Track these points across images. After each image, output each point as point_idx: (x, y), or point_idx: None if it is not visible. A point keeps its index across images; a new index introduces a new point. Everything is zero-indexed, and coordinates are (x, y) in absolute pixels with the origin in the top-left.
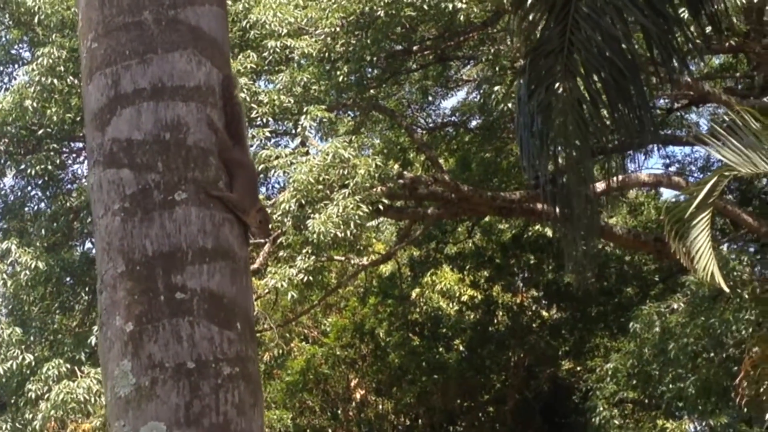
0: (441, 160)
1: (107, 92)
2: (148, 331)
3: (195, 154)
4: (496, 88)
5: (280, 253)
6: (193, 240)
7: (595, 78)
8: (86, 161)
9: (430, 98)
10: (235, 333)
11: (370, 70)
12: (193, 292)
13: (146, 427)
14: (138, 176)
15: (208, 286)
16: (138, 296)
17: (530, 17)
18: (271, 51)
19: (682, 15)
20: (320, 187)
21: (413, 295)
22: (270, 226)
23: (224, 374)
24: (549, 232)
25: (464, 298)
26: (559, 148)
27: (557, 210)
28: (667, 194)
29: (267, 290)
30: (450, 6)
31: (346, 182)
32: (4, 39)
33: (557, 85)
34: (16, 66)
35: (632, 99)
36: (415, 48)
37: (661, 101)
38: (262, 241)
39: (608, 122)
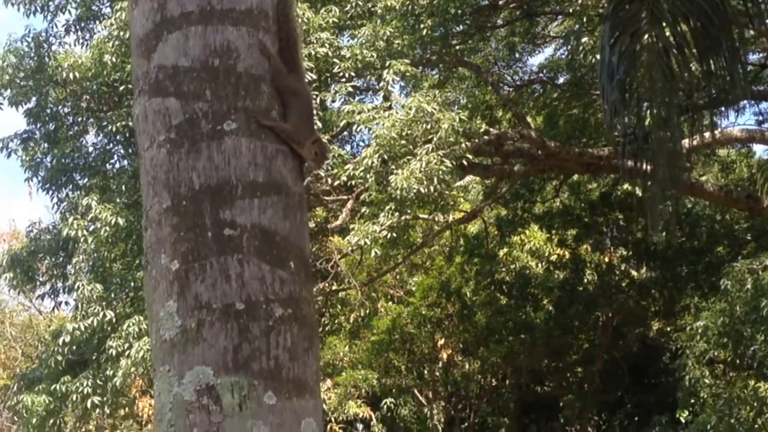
0: (528, 119)
1: (153, 17)
2: (195, 270)
3: (246, 82)
4: (584, 39)
5: (363, 210)
6: (243, 173)
7: (683, 27)
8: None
9: (517, 55)
10: (288, 272)
11: (455, 25)
12: (242, 228)
13: (192, 372)
14: (185, 105)
15: (259, 222)
16: (184, 233)
17: None
18: (354, 4)
19: None
20: (403, 142)
21: (500, 254)
22: (327, 157)
23: (276, 316)
24: (638, 190)
25: (552, 257)
26: (644, 102)
27: (641, 165)
28: (760, 151)
29: (351, 249)
30: None
31: (430, 137)
32: None
33: (643, 32)
34: (97, 22)
35: (723, 50)
36: (501, 2)
37: (754, 56)
38: (345, 197)
39: (697, 75)
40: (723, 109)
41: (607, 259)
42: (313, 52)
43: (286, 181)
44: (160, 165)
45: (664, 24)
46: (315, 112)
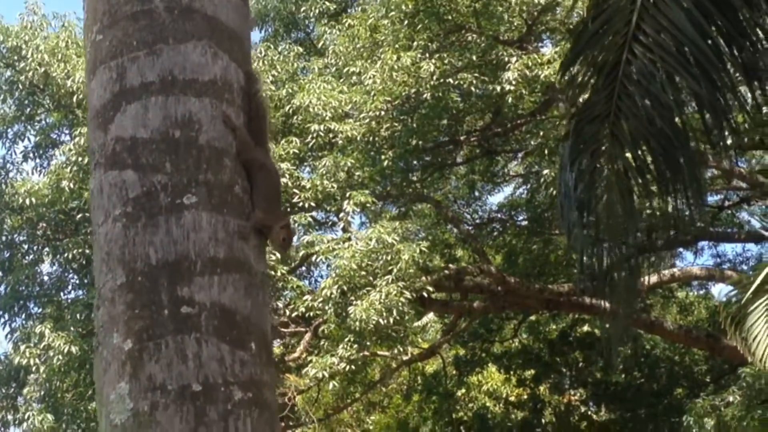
0: (488, 256)
1: (111, 87)
2: (149, 350)
3: (207, 154)
4: (545, 171)
5: (321, 343)
6: (203, 248)
7: (643, 149)
8: None
9: (476, 193)
10: (249, 354)
11: (415, 159)
12: (201, 306)
13: None
14: (143, 178)
15: (219, 300)
16: (139, 310)
17: (577, 80)
18: (315, 135)
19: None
20: (363, 273)
21: (458, 393)
22: (293, 243)
23: (235, 399)
24: (597, 330)
25: (511, 397)
26: (602, 224)
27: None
28: (719, 293)
29: (309, 385)
30: (498, 88)
31: (390, 268)
32: (44, 122)
33: (602, 152)
34: (56, 149)
35: (683, 174)
36: (461, 138)
37: (713, 198)
38: (303, 329)
39: (657, 209)
40: (682, 250)
41: (566, 400)
42: None
43: (249, 259)
44: (114, 240)
45: (624, 147)
46: None
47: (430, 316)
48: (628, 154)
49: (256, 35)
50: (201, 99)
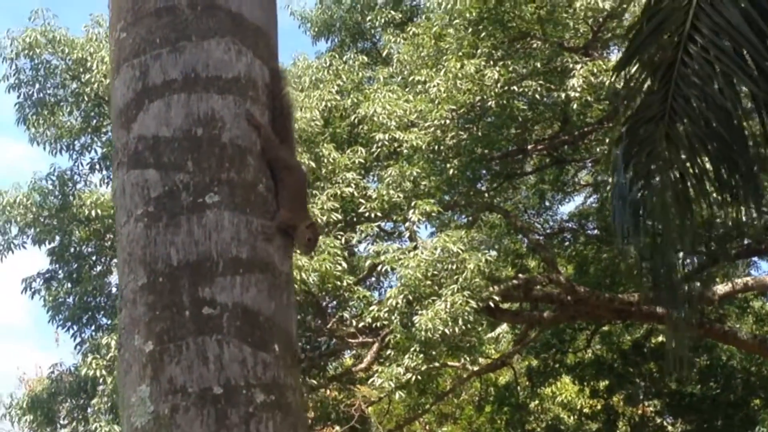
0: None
1: (134, 85)
2: (170, 351)
3: (230, 153)
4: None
5: (388, 353)
6: (225, 248)
7: (702, 156)
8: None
9: (547, 203)
10: (272, 356)
11: (482, 168)
12: (223, 307)
13: None
14: (164, 177)
15: (242, 301)
16: (160, 312)
17: (632, 81)
18: (380, 144)
19: None
20: (428, 282)
21: (531, 405)
22: (318, 243)
23: (257, 402)
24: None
25: (585, 409)
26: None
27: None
28: None
29: (380, 396)
30: (563, 95)
31: (455, 278)
32: (110, 134)
33: (658, 154)
34: None
35: (742, 177)
36: (529, 147)
37: None
38: (370, 340)
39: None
40: (756, 259)
41: (640, 411)
42: (339, 192)
43: (273, 259)
44: (136, 240)
45: (679, 149)
46: (343, 255)
47: (504, 326)
48: (683, 156)
49: (322, 46)
50: (224, 96)
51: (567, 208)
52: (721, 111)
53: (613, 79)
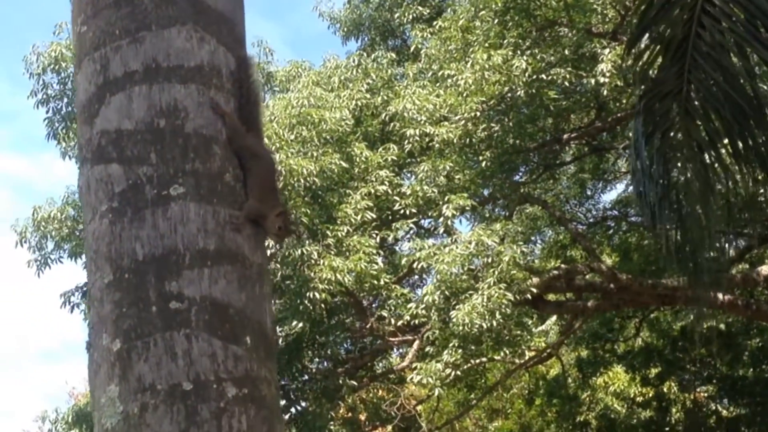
0: (603, 257)
1: (95, 79)
2: (138, 349)
3: (195, 143)
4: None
5: (428, 350)
6: (192, 241)
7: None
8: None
9: (588, 192)
10: (244, 348)
11: (517, 158)
12: (191, 300)
13: None
14: (128, 171)
15: (210, 293)
16: (126, 309)
17: (644, 57)
18: (411, 139)
19: None
20: (465, 277)
21: (582, 396)
22: (292, 230)
23: (228, 396)
24: (722, 325)
25: (638, 398)
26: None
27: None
28: None
29: (429, 394)
30: (592, 81)
31: (492, 271)
32: None
33: (676, 129)
34: None
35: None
36: (565, 137)
37: None
38: (411, 338)
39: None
40: None
41: (692, 397)
42: (372, 191)
43: (242, 250)
44: (101, 237)
45: (698, 122)
46: (379, 254)
47: (553, 319)
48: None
49: (352, 46)
50: (187, 86)
51: (610, 196)
52: (736, 80)
53: (623, 54)
